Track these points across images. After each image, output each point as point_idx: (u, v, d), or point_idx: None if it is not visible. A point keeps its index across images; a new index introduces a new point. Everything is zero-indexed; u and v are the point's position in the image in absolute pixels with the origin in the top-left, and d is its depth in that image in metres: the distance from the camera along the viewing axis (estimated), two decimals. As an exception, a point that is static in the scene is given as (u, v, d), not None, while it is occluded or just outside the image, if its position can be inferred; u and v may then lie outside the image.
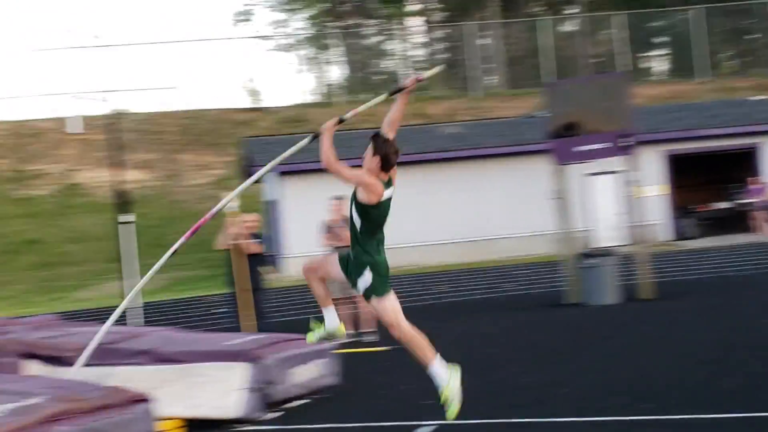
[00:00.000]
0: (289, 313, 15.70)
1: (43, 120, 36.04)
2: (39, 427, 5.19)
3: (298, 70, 43.30)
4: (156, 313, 17.08)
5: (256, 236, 11.72)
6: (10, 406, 5.29)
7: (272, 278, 17.24)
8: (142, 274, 13.41)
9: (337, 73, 44.19)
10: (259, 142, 25.87)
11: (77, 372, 7.03)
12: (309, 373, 8.42)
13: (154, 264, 6.64)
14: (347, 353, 9.90)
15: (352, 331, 11.52)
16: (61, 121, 35.56)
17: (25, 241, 29.17)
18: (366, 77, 43.76)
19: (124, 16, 59.52)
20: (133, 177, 29.15)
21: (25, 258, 28.43)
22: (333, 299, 6.11)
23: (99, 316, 17.27)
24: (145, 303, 16.36)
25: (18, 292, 24.44)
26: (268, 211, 24.86)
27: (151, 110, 37.21)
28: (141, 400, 5.99)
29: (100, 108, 18.05)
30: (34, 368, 8.09)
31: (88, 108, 31.31)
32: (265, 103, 38.48)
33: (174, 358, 7.98)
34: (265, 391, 7.80)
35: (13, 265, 28.00)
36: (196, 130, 35.98)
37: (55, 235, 29.70)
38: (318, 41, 44.77)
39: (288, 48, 44.59)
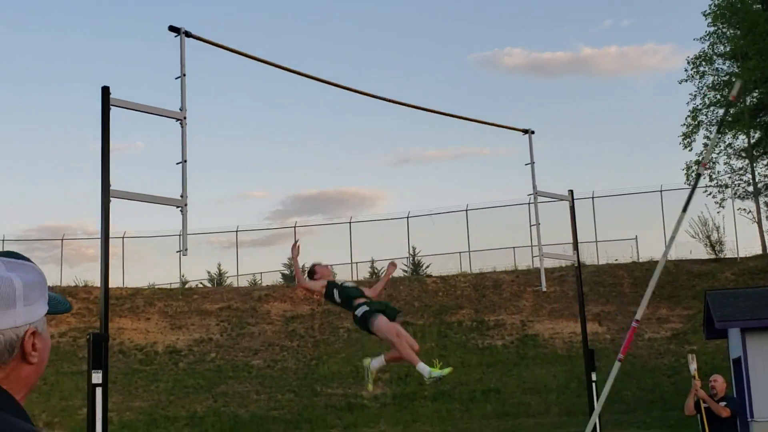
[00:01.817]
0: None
1: (500, 272, 37.73)
2: None
3: (762, 219, 40.84)
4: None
5: (724, 398, 10.94)
6: None
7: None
8: (600, 430, 12.99)
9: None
10: (723, 294, 24.46)
11: None
12: None
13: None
14: None
15: None
16: (514, 272, 36.97)
17: (485, 390, 30.20)
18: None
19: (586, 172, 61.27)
20: (588, 329, 29.03)
21: (485, 407, 29.35)
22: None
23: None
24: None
25: (478, 440, 25.13)
26: (734, 370, 23.17)
27: (606, 261, 37.27)
28: None
29: (559, 260, 18.39)
30: None
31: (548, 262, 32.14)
32: (726, 254, 36.65)
33: None
34: None
35: (474, 413, 29.03)
36: (652, 282, 35.15)
37: (512, 385, 30.39)
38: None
39: (750, 195, 42.42)
